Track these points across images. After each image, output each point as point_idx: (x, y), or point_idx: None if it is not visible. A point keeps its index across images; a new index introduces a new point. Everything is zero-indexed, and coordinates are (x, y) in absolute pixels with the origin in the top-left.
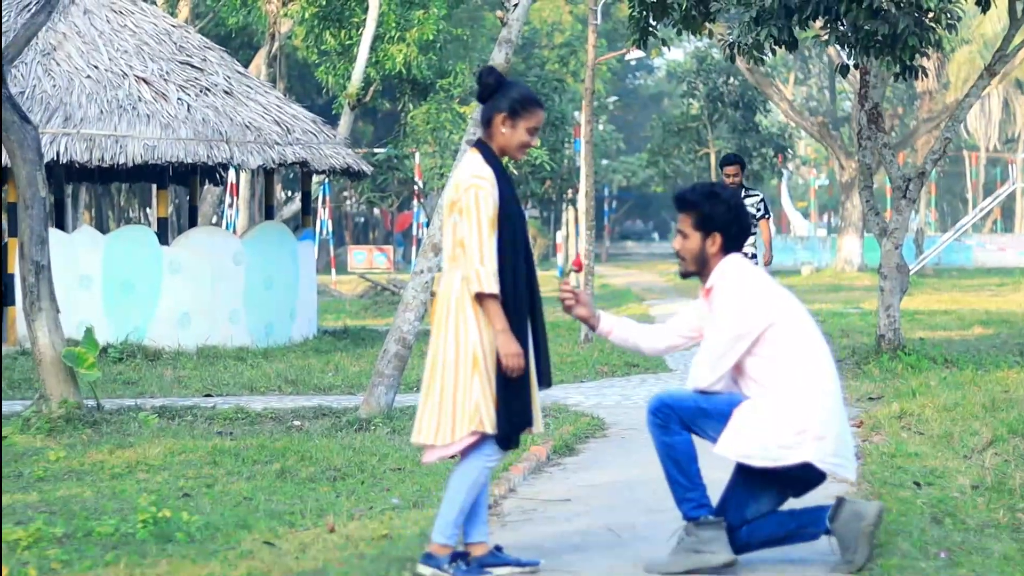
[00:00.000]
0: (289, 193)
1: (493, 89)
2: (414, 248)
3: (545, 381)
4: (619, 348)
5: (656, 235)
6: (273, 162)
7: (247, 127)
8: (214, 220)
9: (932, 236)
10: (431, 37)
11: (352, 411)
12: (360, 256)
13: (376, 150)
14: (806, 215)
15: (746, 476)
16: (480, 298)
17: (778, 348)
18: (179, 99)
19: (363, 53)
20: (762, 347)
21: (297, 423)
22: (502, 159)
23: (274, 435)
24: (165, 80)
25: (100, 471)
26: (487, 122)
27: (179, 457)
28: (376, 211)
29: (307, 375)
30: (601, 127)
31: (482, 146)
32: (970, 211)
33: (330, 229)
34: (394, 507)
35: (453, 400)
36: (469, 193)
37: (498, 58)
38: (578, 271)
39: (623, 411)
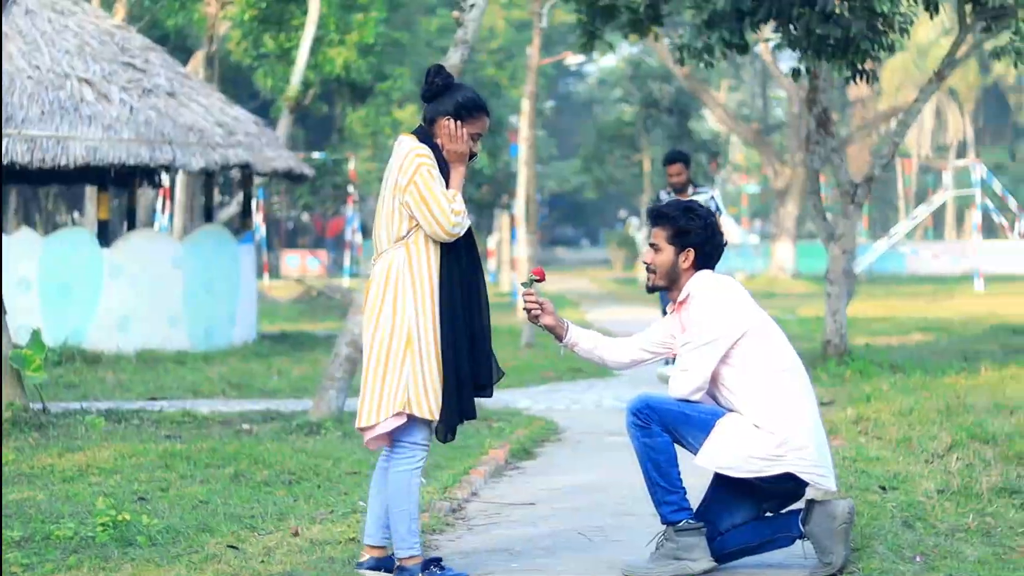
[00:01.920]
0: (225, 197)
1: (440, 90)
2: (347, 253)
3: (486, 388)
4: (583, 359)
5: (587, 241)
6: (216, 164)
7: (190, 129)
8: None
9: (864, 244)
10: (371, 40)
11: (301, 415)
12: (293, 261)
13: (312, 155)
14: (738, 221)
15: (724, 487)
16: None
17: (753, 358)
18: (121, 100)
19: (302, 56)
20: (737, 356)
21: (246, 427)
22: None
23: (224, 439)
24: (107, 81)
25: (51, 474)
26: (430, 123)
27: (130, 460)
28: (306, 216)
29: (251, 379)
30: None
31: (419, 131)
32: (902, 219)
33: (264, 234)
34: (356, 510)
35: (384, 378)
36: (421, 172)
37: (454, 58)
38: (540, 280)
39: (574, 416)
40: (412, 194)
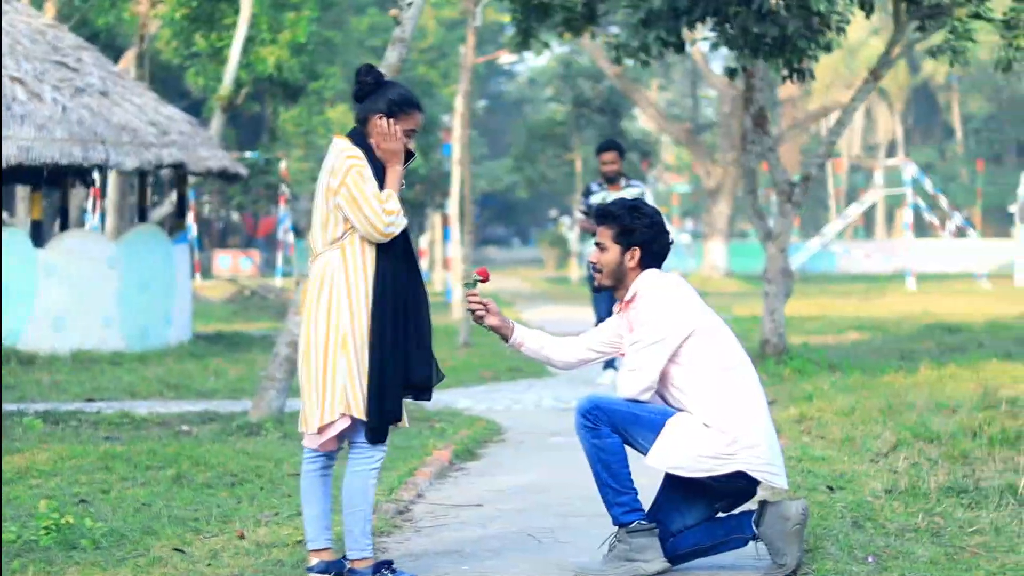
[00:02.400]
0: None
1: (371, 88)
2: (279, 253)
3: (426, 392)
4: (529, 358)
5: (518, 241)
6: (150, 164)
7: (123, 128)
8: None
9: (796, 243)
10: (303, 39)
11: (240, 416)
12: (225, 261)
13: (245, 154)
14: (669, 220)
15: (675, 488)
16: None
17: (702, 356)
18: (54, 100)
19: (234, 55)
20: (685, 355)
21: (185, 428)
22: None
23: (163, 440)
24: (39, 80)
25: None
26: (363, 121)
27: (69, 463)
28: (236, 216)
29: (188, 380)
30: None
31: (352, 132)
32: (833, 218)
33: (195, 233)
34: (302, 513)
35: (323, 381)
36: (352, 174)
37: (392, 57)
38: (484, 280)
39: (515, 416)
40: (344, 196)
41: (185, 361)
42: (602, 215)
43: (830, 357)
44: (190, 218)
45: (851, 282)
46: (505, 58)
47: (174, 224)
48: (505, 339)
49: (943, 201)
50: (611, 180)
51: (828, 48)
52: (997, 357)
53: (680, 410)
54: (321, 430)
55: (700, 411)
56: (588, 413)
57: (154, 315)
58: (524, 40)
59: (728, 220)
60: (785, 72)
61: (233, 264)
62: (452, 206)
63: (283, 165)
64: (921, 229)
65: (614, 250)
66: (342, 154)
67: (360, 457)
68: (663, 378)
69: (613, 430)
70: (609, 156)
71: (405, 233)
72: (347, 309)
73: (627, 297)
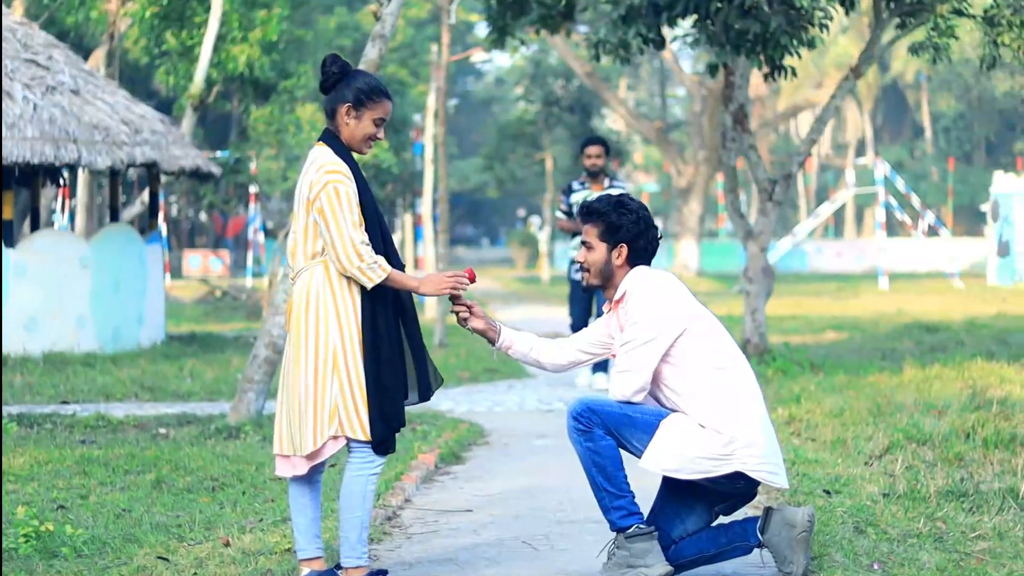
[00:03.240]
0: (125, 197)
1: (337, 78)
2: (249, 253)
3: (423, 394)
4: (517, 361)
5: (487, 240)
6: (122, 163)
7: (95, 127)
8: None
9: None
10: (274, 38)
11: (218, 418)
12: (195, 261)
13: (215, 154)
14: None
15: (673, 492)
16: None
17: (695, 355)
18: (25, 98)
19: (205, 53)
20: (678, 354)
21: (163, 431)
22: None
23: (141, 444)
24: (10, 79)
25: None
26: (331, 113)
27: (46, 467)
28: (204, 216)
29: (163, 381)
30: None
31: (329, 138)
32: (803, 217)
33: (164, 233)
34: (287, 519)
35: (314, 403)
36: (328, 191)
37: (372, 54)
38: (470, 282)
39: (498, 418)
40: (318, 214)
41: (159, 362)
42: (587, 212)
43: (811, 357)
44: (160, 218)
45: (822, 281)
46: (477, 56)
47: (146, 224)
48: (492, 342)
49: (915, 200)
50: (594, 176)
51: (811, 45)
52: (981, 356)
53: (674, 411)
54: (310, 456)
55: (695, 411)
56: (580, 416)
57: (127, 316)
58: (500, 38)
59: (700, 219)
60: (767, 69)
61: (203, 264)
62: (424, 205)
63: (253, 164)
64: (891, 228)
65: (601, 248)
66: (322, 169)
67: (361, 461)
68: (656, 378)
69: (606, 432)
70: (594, 150)
71: (386, 232)
72: (335, 324)
73: (616, 296)
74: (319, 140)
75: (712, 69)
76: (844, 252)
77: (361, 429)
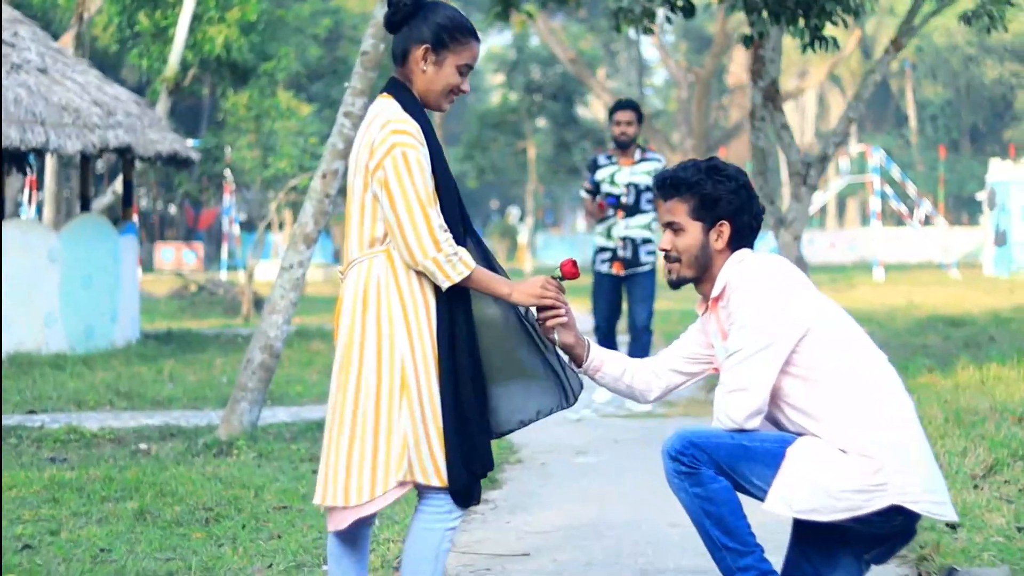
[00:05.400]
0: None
1: (410, 11)
2: (224, 245)
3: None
4: (605, 387)
5: None
6: (94, 147)
7: (64, 109)
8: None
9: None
10: (253, 18)
11: (206, 431)
12: (168, 254)
13: (187, 141)
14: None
15: (809, 539)
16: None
17: (825, 361)
18: None
19: (180, 35)
20: (802, 362)
21: (143, 446)
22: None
23: (120, 462)
24: None
25: None
26: (401, 57)
27: (10, 493)
28: (174, 208)
29: (140, 386)
30: None
31: (398, 89)
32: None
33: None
34: (300, 564)
35: (375, 439)
36: (394, 156)
37: (380, 15)
38: (573, 278)
39: (525, 430)
40: (379, 185)
41: (135, 364)
42: (671, 184)
43: None
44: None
45: (816, 272)
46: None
47: (120, 214)
48: (578, 362)
49: (911, 189)
50: (623, 148)
51: (857, 13)
52: None
53: (801, 434)
54: (361, 505)
55: (831, 433)
56: (682, 454)
57: (99, 313)
58: (504, 11)
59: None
60: (808, 40)
61: (176, 257)
62: None
63: (228, 152)
64: (884, 218)
65: (694, 229)
66: (387, 126)
67: (434, 512)
68: (774, 395)
69: (718, 472)
70: (625, 116)
71: (463, 209)
72: (403, 333)
73: (715, 293)
74: (384, 91)
75: (747, 40)
76: (837, 243)
77: (435, 473)
